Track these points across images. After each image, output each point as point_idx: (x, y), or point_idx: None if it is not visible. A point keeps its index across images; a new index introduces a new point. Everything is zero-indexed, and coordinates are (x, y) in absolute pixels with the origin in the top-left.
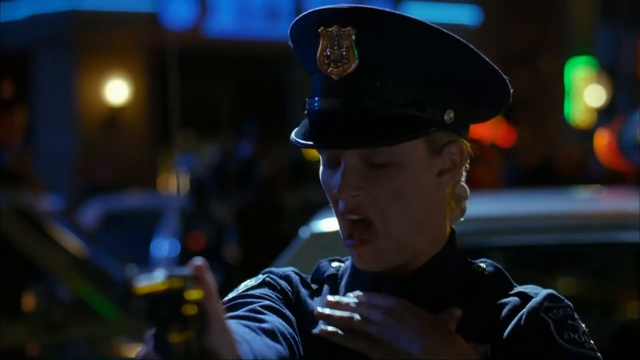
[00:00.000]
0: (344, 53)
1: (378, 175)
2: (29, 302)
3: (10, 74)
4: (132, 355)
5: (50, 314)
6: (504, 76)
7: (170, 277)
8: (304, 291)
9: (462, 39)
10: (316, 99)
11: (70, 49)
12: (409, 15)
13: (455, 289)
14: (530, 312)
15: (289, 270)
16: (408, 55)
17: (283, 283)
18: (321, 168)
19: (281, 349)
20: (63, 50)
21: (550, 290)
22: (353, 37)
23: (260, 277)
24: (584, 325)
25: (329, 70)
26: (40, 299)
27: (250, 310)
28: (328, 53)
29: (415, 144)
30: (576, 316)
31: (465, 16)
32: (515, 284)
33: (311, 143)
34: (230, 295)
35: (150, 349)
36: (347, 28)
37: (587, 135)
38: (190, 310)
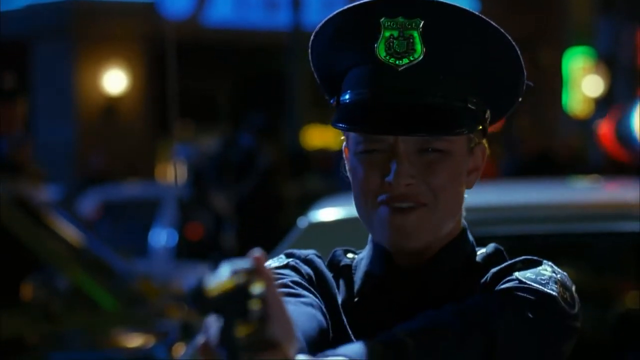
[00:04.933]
0: (410, 44)
1: (430, 164)
2: (27, 292)
3: (8, 64)
4: (131, 345)
5: (49, 304)
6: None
7: (236, 273)
8: (328, 274)
9: (515, 44)
10: (368, 89)
11: (69, 39)
12: (474, 11)
13: (458, 277)
14: (496, 271)
15: (311, 253)
16: (470, 50)
17: (306, 268)
18: (351, 157)
19: (322, 319)
20: (61, 41)
21: (528, 257)
22: (420, 29)
23: (284, 260)
24: (558, 275)
25: (390, 61)
26: (39, 289)
27: (282, 285)
28: (392, 44)
29: (461, 139)
30: (549, 268)
31: (464, 6)
32: (507, 260)
33: (375, 128)
34: None
35: (210, 338)
36: (415, 19)
37: (585, 125)
38: (254, 304)
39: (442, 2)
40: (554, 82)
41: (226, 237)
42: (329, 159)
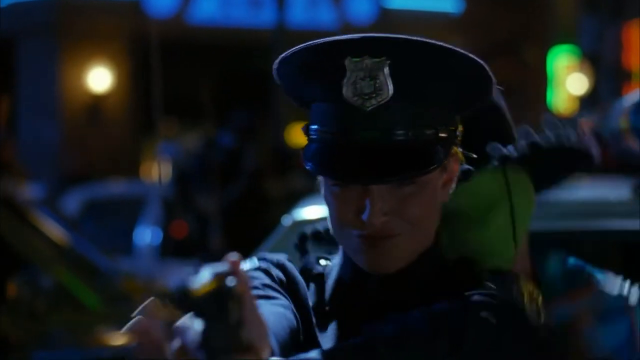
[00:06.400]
0: (377, 84)
1: (404, 197)
2: (11, 291)
3: None
4: (115, 343)
5: (33, 303)
6: (499, 87)
7: (216, 275)
8: (299, 278)
9: (488, 68)
10: (336, 129)
11: (53, 37)
12: (442, 43)
13: (429, 284)
14: (466, 280)
15: (282, 258)
16: (438, 82)
17: (277, 271)
18: (325, 188)
19: (292, 319)
20: (46, 38)
21: (496, 267)
22: (387, 69)
23: (256, 263)
24: (525, 286)
25: (358, 102)
26: (23, 288)
27: (252, 288)
28: (358, 85)
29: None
30: (517, 278)
31: (449, 5)
32: (477, 268)
33: (348, 178)
34: None
35: (188, 341)
36: (381, 58)
37: (569, 123)
38: (233, 305)
39: (407, 39)
40: (539, 80)
41: (212, 235)
42: None
